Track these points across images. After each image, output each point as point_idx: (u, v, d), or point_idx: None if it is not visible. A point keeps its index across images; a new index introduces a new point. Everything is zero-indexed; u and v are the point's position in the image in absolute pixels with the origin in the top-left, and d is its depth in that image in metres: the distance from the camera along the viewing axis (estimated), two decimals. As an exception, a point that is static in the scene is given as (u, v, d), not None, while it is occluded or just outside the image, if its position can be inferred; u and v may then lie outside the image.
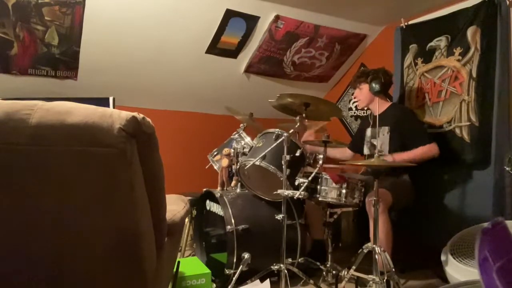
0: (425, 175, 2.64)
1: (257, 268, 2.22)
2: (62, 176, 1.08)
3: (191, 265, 2.18)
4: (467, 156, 2.65)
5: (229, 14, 3.07)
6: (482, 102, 2.57)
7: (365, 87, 2.71)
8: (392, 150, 2.22)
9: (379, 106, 2.70)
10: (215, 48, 3.32)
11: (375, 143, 2.11)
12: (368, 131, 2.27)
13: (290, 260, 2.36)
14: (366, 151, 2.29)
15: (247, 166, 2.32)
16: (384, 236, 2.24)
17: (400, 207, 2.51)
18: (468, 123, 2.66)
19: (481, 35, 2.59)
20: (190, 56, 3.32)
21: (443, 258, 2.23)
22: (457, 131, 2.72)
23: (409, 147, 2.53)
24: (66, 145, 1.05)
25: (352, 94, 3.89)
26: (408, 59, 3.12)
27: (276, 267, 2.12)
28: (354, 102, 3.90)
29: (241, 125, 2.75)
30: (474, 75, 2.63)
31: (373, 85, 2.54)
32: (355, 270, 2.09)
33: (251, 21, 3.18)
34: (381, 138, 2.12)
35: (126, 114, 1.07)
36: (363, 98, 2.77)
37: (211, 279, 2.16)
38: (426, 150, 2.51)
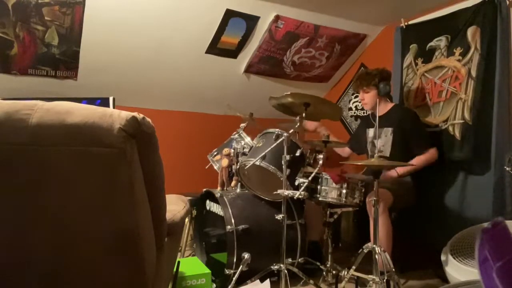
0: (425, 175, 2.64)
1: (257, 268, 2.21)
2: (62, 176, 1.08)
3: (191, 265, 2.18)
4: (456, 154, 2.66)
5: (229, 14, 3.07)
6: (481, 102, 2.57)
7: (372, 89, 2.69)
8: (394, 151, 2.23)
9: (383, 107, 2.71)
10: (215, 48, 3.31)
11: (376, 143, 2.11)
12: (371, 132, 2.26)
13: (290, 260, 2.36)
14: (370, 151, 2.29)
15: (247, 166, 2.32)
16: (384, 236, 2.24)
17: (401, 207, 2.51)
18: (461, 121, 2.66)
19: (481, 35, 2.59)
20: (190, 56, 3.32)
21: (443, 258, 2.23)
22: (450, 129, 2.73)
23: (412, 150, 2.55)
24: (66, 145, 1.05)
25: (352, 94, 3.91)
26: (408, 59, 3.12)
27: (276, 267, 2.12)
28: (354, 102, 3.89)
29: (241, 125, 2.75)
30: (473, 74, 2.62)
31: (385, 86, 2.65)
32: (355, 270, 2.09)
33: (251, 21, 3.18)
34: (384, 139, 2.12)
35: (126, 114, 1.08)
36: (370, 101, 2.71)
37: (211, 279, 2.16)
38: (428, 157, 2.56)
